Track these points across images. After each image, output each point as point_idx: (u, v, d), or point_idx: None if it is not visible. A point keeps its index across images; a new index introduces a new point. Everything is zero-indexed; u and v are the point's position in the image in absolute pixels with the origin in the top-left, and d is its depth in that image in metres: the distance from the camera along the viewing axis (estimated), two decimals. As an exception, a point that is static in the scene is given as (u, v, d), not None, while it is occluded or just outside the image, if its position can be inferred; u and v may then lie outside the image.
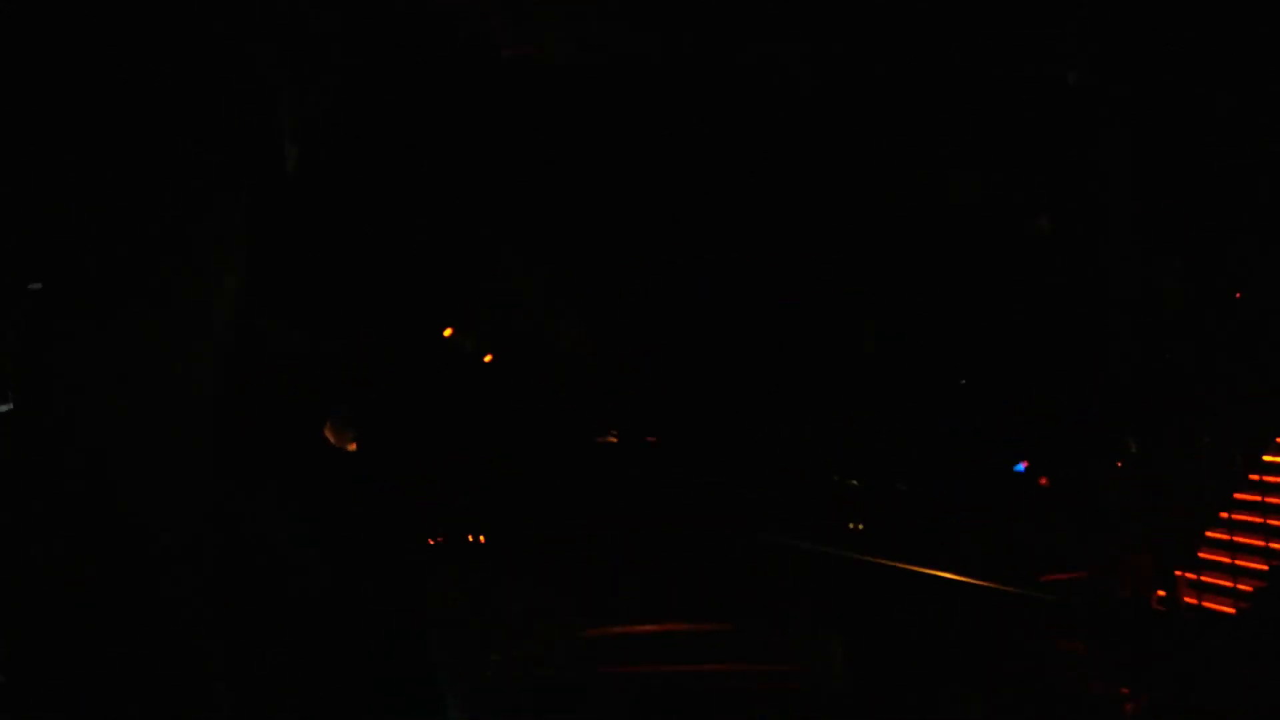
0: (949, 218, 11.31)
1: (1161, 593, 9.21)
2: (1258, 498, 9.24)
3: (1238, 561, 8.94)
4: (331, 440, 8.30)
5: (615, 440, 10.80)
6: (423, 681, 6.69)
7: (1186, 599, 9.06)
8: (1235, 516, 9.25)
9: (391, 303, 9.93)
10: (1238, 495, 9.38)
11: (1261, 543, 8.90)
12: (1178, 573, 9.20)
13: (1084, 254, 11.25)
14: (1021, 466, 11.16)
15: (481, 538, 9.24)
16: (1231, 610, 8.77)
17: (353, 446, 8.37)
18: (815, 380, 11.11)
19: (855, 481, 11.41)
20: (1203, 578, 9.09)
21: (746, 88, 10.92)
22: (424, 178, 9.68)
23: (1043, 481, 10.76)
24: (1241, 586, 8.78)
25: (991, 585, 7.83)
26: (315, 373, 8.09)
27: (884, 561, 7.87)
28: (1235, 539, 9.10)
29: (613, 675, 7.27)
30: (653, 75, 10.78)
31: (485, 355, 11.07)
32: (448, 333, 10.83)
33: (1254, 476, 9.44)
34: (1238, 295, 10.69)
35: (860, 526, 10.77)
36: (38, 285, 5.37)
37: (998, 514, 10.55)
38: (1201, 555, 9.24)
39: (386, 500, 8.05)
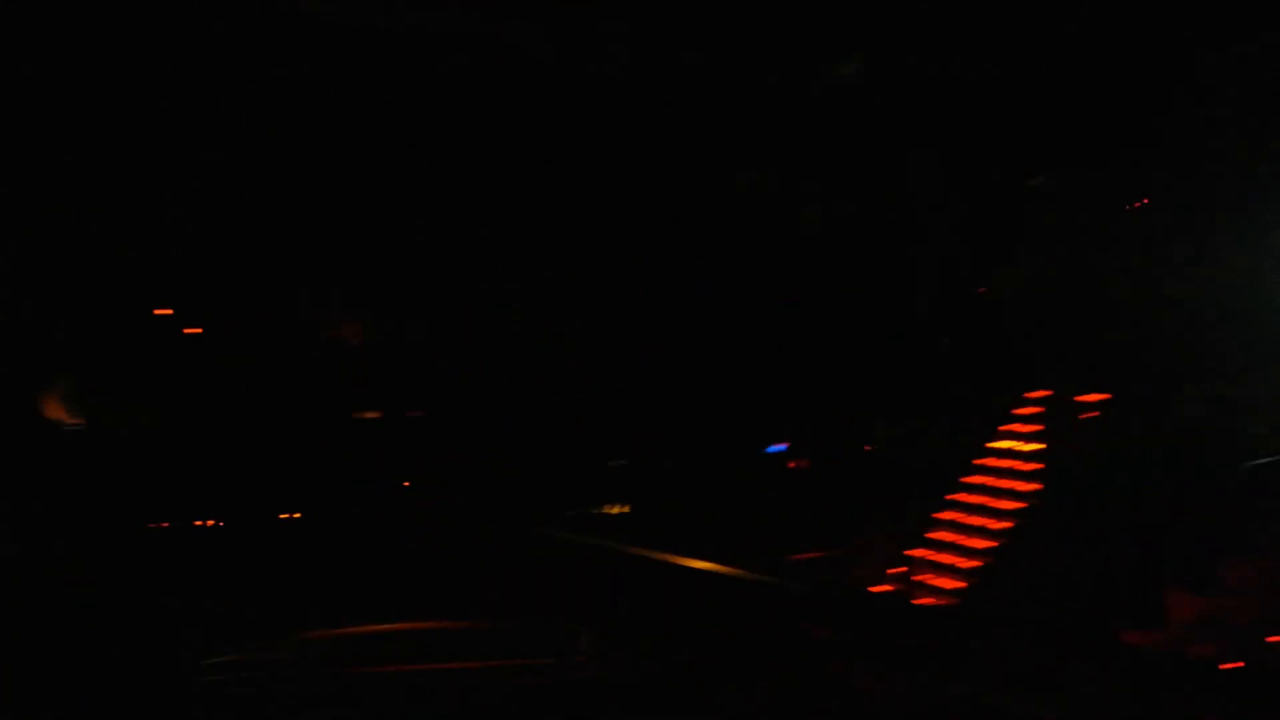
0: (711, 211, 11.56)
1: (900, 570, 9.77)
2: (985, 481, 9.98)
3: (967, 542, 9.61)
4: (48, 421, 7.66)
5: (357, 428, 10.55)
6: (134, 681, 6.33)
7: (919, 578, 9.66)
8: (965, 499, 9.94)
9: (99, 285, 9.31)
10: (966, 480, 10.11)
11: (988, 523, 9.59)
12: (913, 553, 9.79)
13: (843, 251, 11.76)
14: (777, 448, 11.63)
15: (216, 526, 8.78)
16: (963, 585, 9.40)
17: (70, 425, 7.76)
18: (574, 363, 11.16)
19: (622, 461, 11.60)
20: (935, 557, 9.72)
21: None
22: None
23: (793, 465, 11.25)
24: (970, 564, 9.44)
25: (742, 574, 8.07)
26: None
27: (637, 551, 7.96)
28: (965, 520, 9.78)
29: (358, 676, 7.06)
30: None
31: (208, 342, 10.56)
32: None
33: (981, 462, 10.20)
34: (981, 291, 11.47)
35: (624, 509, 10.96)
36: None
37: (753, 494, 10.97)
38: (932, 536, 9.88)
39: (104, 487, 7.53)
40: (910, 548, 9.77)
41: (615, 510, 10.77)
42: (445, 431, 11.04)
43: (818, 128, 11.72)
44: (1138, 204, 10.64)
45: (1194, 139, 10.16)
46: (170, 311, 10.48)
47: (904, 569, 9.70)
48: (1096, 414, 9.18)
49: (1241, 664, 7.13)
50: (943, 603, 9.35)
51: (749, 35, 11.43)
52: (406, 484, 10.56)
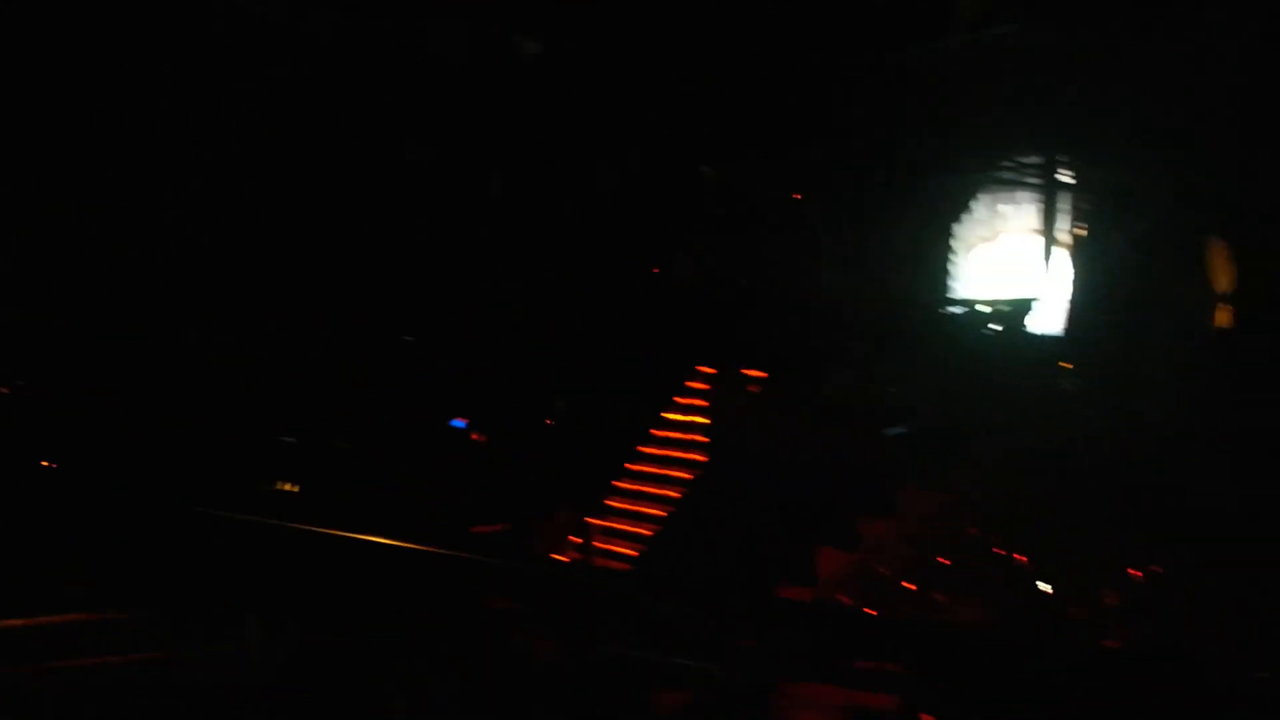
0: (386, 191, 11.27)
1: (577, 540, 10.00)
2: (660, 452, 10.44)
3: (643, 509, 10.01)
4: None
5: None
6: None
7: (599, 545, 9.94)
8: (642, 469, 10.35)
9: None
10: (643, 450, 10.53)
11: (662, 491, 10.04)
12: (591, 521, 10.06)
13: (525, 234, 11.82)
14: (458, 423, 11.55)
15: None
16: (638, 550, 9.77)
17: None
18: (241, 338, 10.53)
19: (290, 439, 11.05)
20: (614, 525, 10.05)
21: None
22: None
23: (476, 437, 11.23)
24: (643, 532, 9.84)
25: (420, 548, 7.88)
26: None
27: (307, 528, 7.57)
28: (641, 489, 10.18)
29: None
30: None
31: None
32: None
33: (657, 433, 10.65)
34: (656, 272, 11.92)
35: (294, 488, 10.47)
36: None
37: (432, 468, 10.83)
38: (612, 504, 10.22)
39: None
40: (590, 516, 10.05)
41: (286, 488, 10.26)
42: (92, 405, 10.05)
43: (496, 113, 11.68)
44: (796, 196, 11.46)
45: (843, 141, 11.10)
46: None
47: (584, 538, 9.97)
48: (756, 388, 9.81)
49: (876, 612, 7.93)
50: (619, 568, 9.69)
51: (424, 9, 11.22)
52: (47, 464, 9.49)
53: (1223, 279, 9.87)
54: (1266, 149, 9.47)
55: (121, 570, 7.13)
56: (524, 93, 11.40)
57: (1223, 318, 9.82)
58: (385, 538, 7.70)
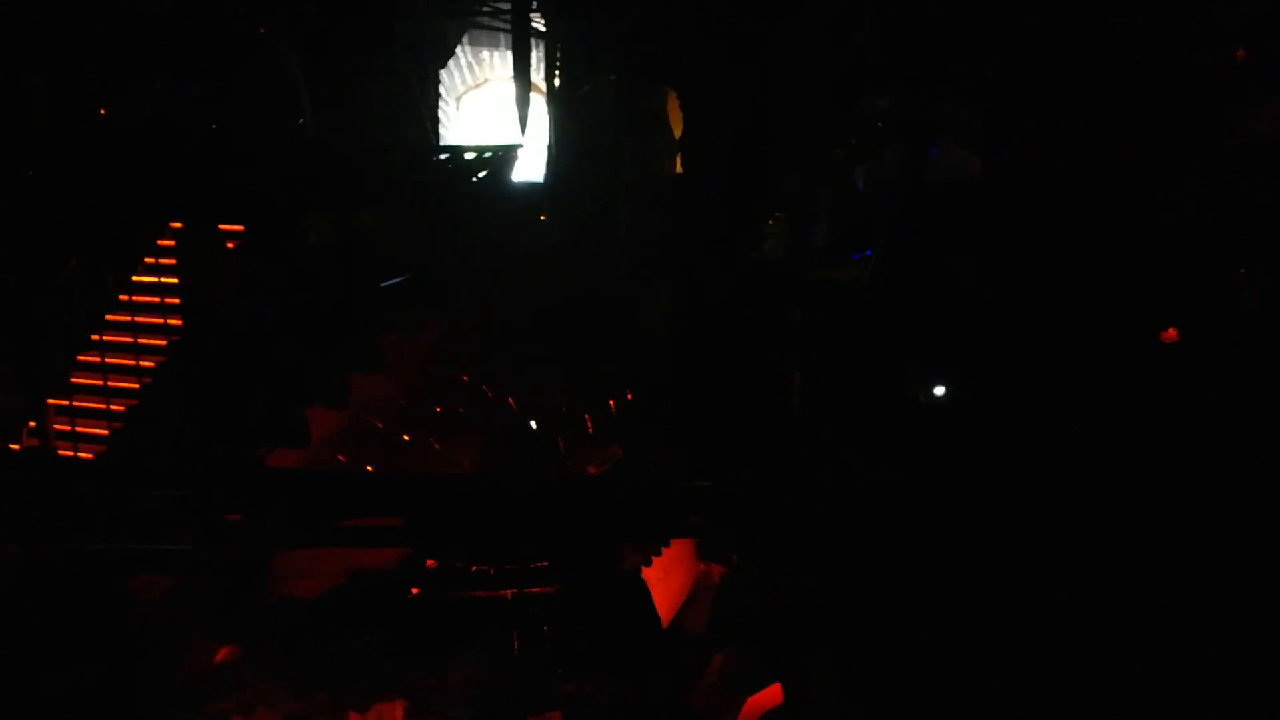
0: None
1: (32, 424, 8.90)
2: (128, 318, 9.39)
3: (110, 383, 9.05)
4: None
5: None
6: None
7: (59, 427, 8.92)
8: (107, 338, 9.28)
9: None
10: (110, 317, 9.42)
11: (132, 361, 9.11)
12: (51, 402, 8.97)
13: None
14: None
15: None
16: (104, 433, 8.88)
17: None
18: None
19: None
20: (75, 403, 9.01)
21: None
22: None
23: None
24: (114, 407, 8.93)
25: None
26: None
27: None
28: (108, 360, 9.17)
29: None
30: None
31: None
32: None
33: (124, 297, 9.57)
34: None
35: None
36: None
37: None
38: (76, 380, 9.14)
39: None
40: (50, 396, 8.92)
41: None
42: None
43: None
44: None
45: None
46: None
47: (42, 421, 8.87)
48: (232, 243, 9.16)
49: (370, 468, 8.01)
50: (89, 452, 8.78)
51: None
52: None
53: (678, 126, 10.76)
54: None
55: None
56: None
57: (680, 164, 10.77)
58: None
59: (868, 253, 8.86)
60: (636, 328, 9.19)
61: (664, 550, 7.42)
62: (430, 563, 7.36)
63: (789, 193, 9.62)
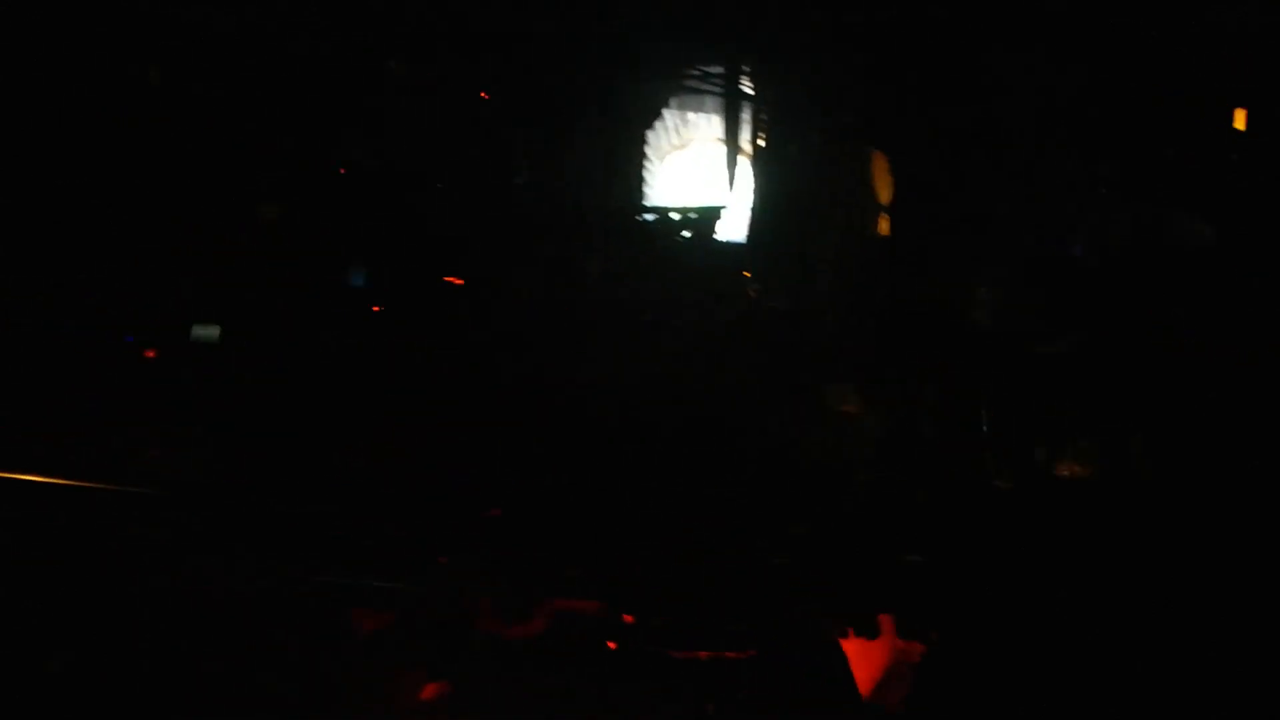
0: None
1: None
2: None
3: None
4: None
5: None
6: None
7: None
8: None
9: None
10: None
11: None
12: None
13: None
14: None
15: None
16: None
17: None
18: None
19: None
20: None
21: None
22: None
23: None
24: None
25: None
26: None
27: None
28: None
29: None
30: None
31: None
32: None
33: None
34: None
35: None
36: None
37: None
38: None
39: None
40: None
41: None
42: None
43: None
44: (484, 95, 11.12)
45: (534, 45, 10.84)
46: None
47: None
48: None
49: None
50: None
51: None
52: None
53: (884, 190, 10.67)
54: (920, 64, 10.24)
55: None
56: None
57: (884, 226, 10.66)
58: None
59: (1087, 324, 8.50)
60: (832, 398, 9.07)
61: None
62: (627, 617, 7.38)
63: (1002, 259, 9.36)
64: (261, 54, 10.60)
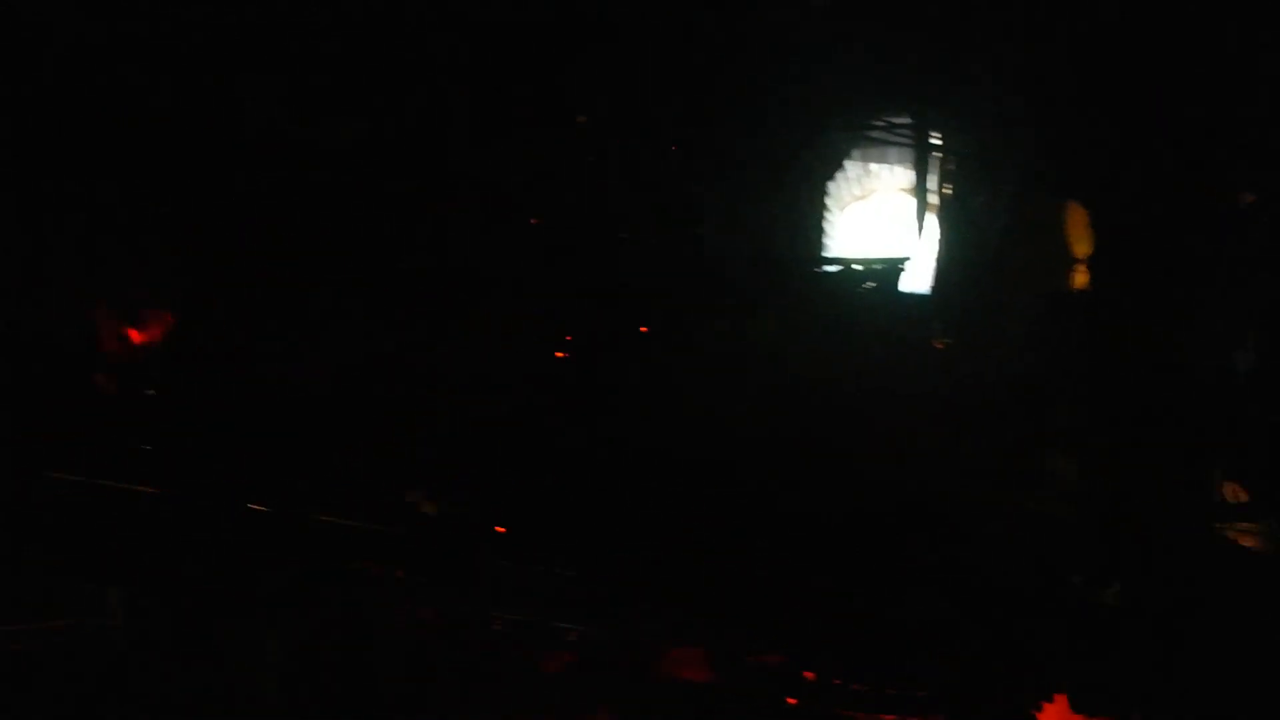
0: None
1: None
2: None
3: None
4: None
5: None
6: None
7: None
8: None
9: None
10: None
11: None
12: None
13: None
14: None
15: None
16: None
17: None
18: None
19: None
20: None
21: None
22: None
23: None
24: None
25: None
26: None
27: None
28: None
29: None
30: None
31: None
32: None
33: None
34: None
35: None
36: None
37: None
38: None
39: None
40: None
41: None
42: None
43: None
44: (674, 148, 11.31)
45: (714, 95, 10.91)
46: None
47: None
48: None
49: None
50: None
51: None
52: None
53: (1080, 243, 10.29)
54: (1118, 112, 9.88)
55: None
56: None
57: (1080, 280, 10.27)
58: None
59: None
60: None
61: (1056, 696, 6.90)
62: (809, 674, 7.26)
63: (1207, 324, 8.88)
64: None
